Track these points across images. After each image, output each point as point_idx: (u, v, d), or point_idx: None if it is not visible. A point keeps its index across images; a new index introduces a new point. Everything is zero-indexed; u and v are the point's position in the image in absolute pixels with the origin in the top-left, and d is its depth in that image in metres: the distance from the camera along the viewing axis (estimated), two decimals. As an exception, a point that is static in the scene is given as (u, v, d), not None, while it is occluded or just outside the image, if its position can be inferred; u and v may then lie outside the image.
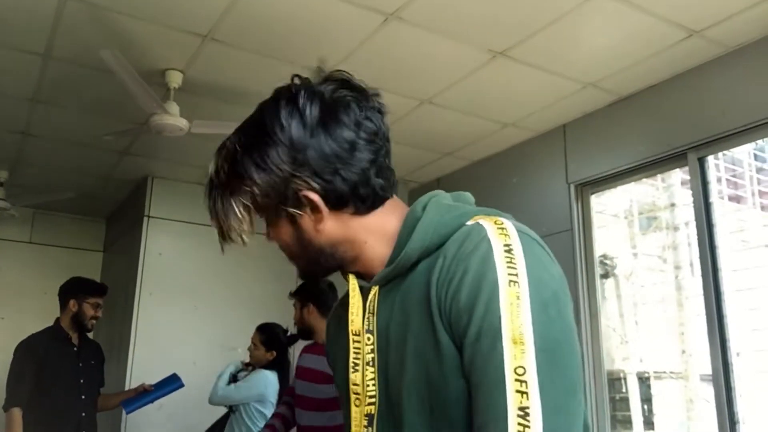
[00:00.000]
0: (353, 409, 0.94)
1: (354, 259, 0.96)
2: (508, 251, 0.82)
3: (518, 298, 0.79)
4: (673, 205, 5.16)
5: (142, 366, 4.45)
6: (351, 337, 0.95)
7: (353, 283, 0.97)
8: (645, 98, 3.54)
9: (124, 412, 3.90)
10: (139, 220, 5.10)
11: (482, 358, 0.78)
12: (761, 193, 5.44)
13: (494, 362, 0.77)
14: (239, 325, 4.58)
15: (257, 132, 0.92)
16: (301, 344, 3.38)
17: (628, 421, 4.71)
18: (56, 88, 3.68)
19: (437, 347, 0.84)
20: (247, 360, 3.85)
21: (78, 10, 2.91)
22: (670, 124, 3.39)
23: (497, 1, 2.78)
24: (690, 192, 3.35)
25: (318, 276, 1.02)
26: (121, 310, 5.11)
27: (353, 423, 0.94)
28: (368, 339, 0.93)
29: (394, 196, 0.98)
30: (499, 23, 2.95)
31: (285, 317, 3.57)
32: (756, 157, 5.49)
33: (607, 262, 4.91)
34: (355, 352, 0.94)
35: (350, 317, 0.95)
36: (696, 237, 3.24)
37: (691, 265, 4.83)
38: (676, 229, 5.17)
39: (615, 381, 4.78)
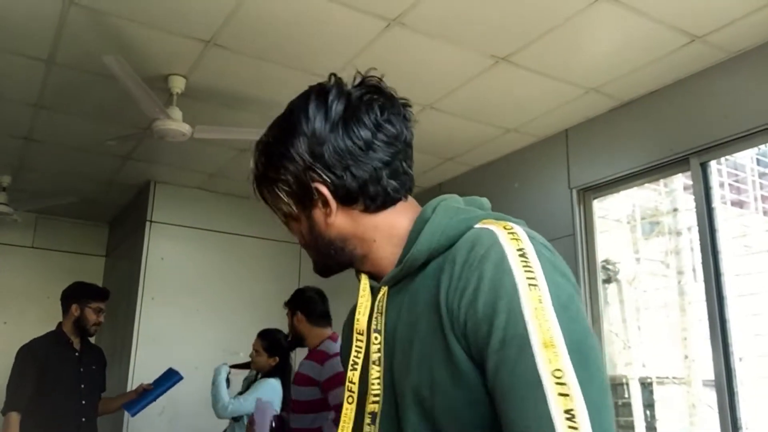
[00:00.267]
0: (345, 405, 0.95)
1: (363, 257, 0.98)
2: (522, 255, 0.82)
3: (540, 301, 0.78)
4: (675, 210, 5.15)
5: (144, 370, 4.44)
6: (355, 335, 0.96)
7: (364, 282, 0.98)
8: (647, 103, 3.54)
9: (128, 415, 3.90)
10: (142, 224, 5.11)
11: (511, 365, 0.76)
12: (764, 198, 5.43)
13: (527, 368, 0.75)
14: (241, 329, 4.58)
15: (286, 123, 0.97)
16: (303, 350, 3.39)
17: (630, 427, 4.69)
18: (59, 94, 3.69)
19: (446, 355, 0.84)
20: (236, 362, 3.85)
21: (81, 16, 2.92)
22: (673, 129, 3.39)
23: (500, 7, 2.79)
24: (692, 197, 3.35)
25: (331, 270, 1.03)
26: (123, 315, 5.11)
27: (343, 420, 0.95)
28: (375, 338, 0.94)
29: (410, 198, 1.00)
30: (501, 29, 2.95)
31: (287, 321, 3.58)
32: (759, 162, 5.48)
33: (610, 267, 4.90)
34: (356, 351, 0.95)
35: (356, 316, 0.96)
36: (699, 242, 3.23)
37: (694, 270, 4.82)
38: (678, 234, 5.16)
39: (617, 386, 4.77)
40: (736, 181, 5.33)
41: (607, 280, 4.88)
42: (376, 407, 0.92)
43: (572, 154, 3.96)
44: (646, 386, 4.96)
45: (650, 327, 5.20)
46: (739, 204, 5.34)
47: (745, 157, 5.24)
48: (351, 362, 0.95)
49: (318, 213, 0.96)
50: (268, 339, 3.73)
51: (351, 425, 0.94)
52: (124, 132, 3.94)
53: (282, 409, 3.56)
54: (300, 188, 0.95)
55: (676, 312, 5.04)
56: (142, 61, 3.26)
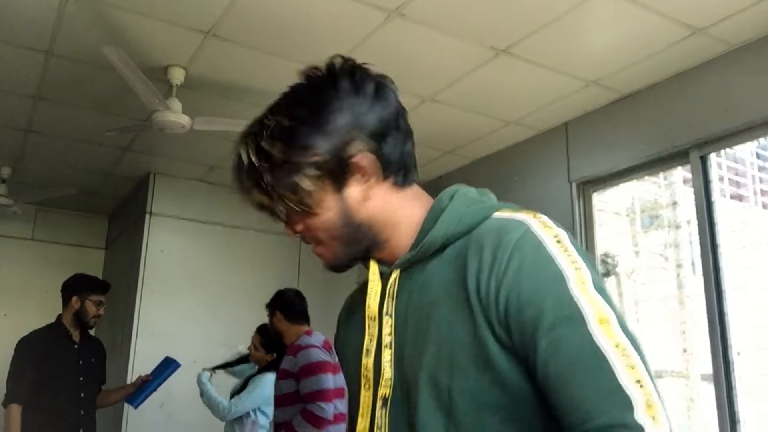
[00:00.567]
0: (362, 393, 0.95)
1: (384, 242, 0.97)
2: (559, 242, 0.86)
3: (584, 283, 0.81)
4: (674, 203, 5.15)
5: (144, 363, 4.44)
6: (367, 322, 0.96)
7: (374, 268, 0.98)
8: (647, 96, 3.53)
9: (128, 407, 3.90)
10: (141, 217, 5.10)
11: (569, 343, 0.78)
12: (763, 192, 5.43)
13: (588, 343, 0.77)
14: (241, 322, 4.58)
15: (315, 101, 0.94)
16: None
17: (628, 420, 4.71)
18: (59, 85, 3.68)
19: (472, 338, 0.84)
20: (216, 364, 3.86)
21: (80, 7, 2.91)
22: (673, 122, 3.38)
23: (500, -1, 2.78)
24: (692, 190, 3.35)
25: (348, 264, 1.01)
26: (122, 307, 5.11)
27: (362, 406, 0.95)
28: (386, 322, 0.94)
29: (416, 186, 1.02)
30: (501, 20, 2.94)
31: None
32: (758, 155, 5.48)
33: (609, 260, 4.90)
34: (369, 337, 0.96)
35: (368, 302, 0.96)
36: (698, 235, 3.23)
37: (693, 263, 4.83)
38: (677, 227, 5.16)
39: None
40: (736, 175, 5.34)
41: (606, 273, 4.88)
42: (387, 391, 0.93)
43: (572, 147, 3.95)
44: (644, 379, 4.96)
45: (649, 320, 5.21)
46: (738, 197, 5.34)
47: (745, 150, 5.24)
48: (365, 349, 0.96)
49: (353, 192, 0.94)
50: (265, 335, 3.74)
51: (369, 411, 0.94)
52: (124, 123, 3.94)
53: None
54: (336, 166, 0.92)
55: (674, 305, 5.05)
56: (141, 52, 3.25)
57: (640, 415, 0.73)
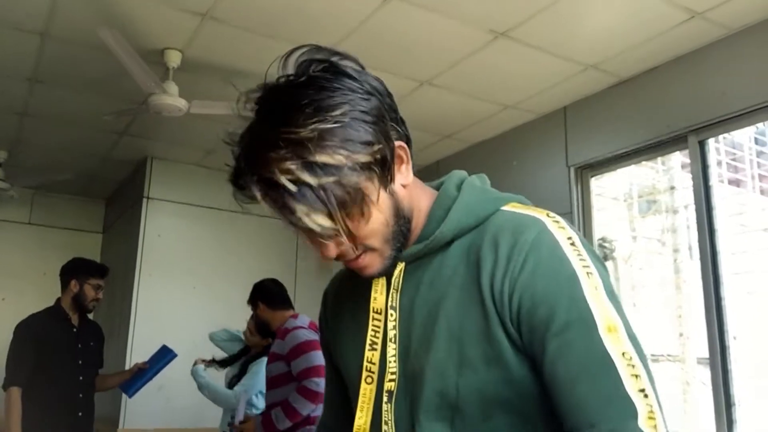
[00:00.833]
0: (363, 386, 0.94)
1: (410, 233, 0.93)
2: (573, 244, 0.85)
3: (596, 288, 0.82)
4: (672, 188, 5.16)
5: (142, 347, 4.46)
6: (371, 314, 0.94)
7: None
8: (646, 80, 3.52)
9: (126, 395, 3.90)
10: (138, 201, 5.10)
11: (578, 347, 0.79)
12: (761, 177, 5.43)
13: (597, 350, 0.78)
14: (239, 306, 4.58)
15: (343, 93, 0.83)
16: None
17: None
18: (54, 68, 3.66)
19: (483, 335, 0.84)
20: (205, 358, 3.88)
21: (75, -11, 2.89)
22: (671, 106, 3.38)
23: (498, -18, 2.76)
24: (690, 175, 3.34)
25: (393, 265, 0.92)
26: (120, 291, 5.12)
27: (361, 400, 0.94)
28: (391, 315, 0.92)
29: None
30: (500, 3, 2.92)
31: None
32: (756, 140, 5.48)
33: (606, 244, 4.91)
34: (374, 330, 0.94)
35: (373, 294, 0.94)
36: (695, 220, 3.24)
37: (690, 248, 4.84)
38: (675, 212, 5.17)
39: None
40: (734, 160, 5.34)
41: (604, 258, 4.89)
42: (392, 385, 0.91)
43: (570, 131, 3.94)
44: (640, 363, 4.99)
45: (646, 305, 5.23)
46: (736, 183, 5.35)
47: (743, 136, 5.24)
48: (369, 342, 0.94)
49: (397, 182, 0.89)
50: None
51: (371, 405, 0.93)
52: (121, 107, 3.92)
53: None
54: (389, 157, 0.86)
55: (671, 290, 5.07)
56: (137, 35, 3.23)
57: (642, 425, 0.74)
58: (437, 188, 0.98)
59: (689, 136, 3.29)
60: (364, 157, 0.82)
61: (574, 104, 3.92)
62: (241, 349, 3.88)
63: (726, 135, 3.65)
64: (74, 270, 3.56)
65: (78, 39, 3.32)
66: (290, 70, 0.86)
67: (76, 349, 3.51)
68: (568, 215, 3.83)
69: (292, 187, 0.79)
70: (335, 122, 0.80)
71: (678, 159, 4.84)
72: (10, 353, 3.34)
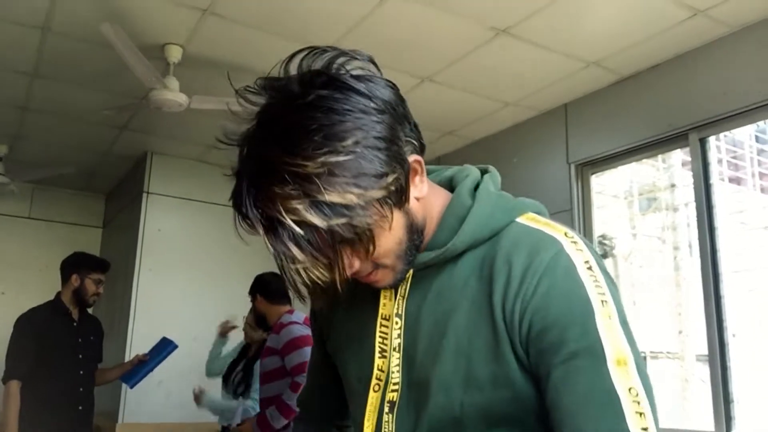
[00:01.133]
0: (371, 394, 0.91)
1: (421, 244, 0.89)
2: (590, 268, 0.82)
3: (610, 318, 0.79)
4: (673, 185, 5.16)
5: (142, 341, 4.46)
6: (379, 321, 0.92)
7: None
8: (647, 78, 3.52)
9: (126, 386, 3.91)
10: (139, 196, 5.10)
11: (584, 377, 0.76)
12: (761, 175, 5.43)
13: (603, 383, 0.76)
14: (238, 300, 4.59)
15: (352, 117, 0.77)
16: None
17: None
18: (55, 63, 3.66)
19: (492, 354, 0.83)
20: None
21: (77, -17, 2.89)
22: (672, 104, 3.37)
23: (500, -22, 2.76)
24: (690, 173, 3.34)
25: (405, 276, 0.90)
26: (120, 286, 5.13)
27: (369, 408, 0.91)
28: (396, 323, 0.90)
29: None
30: (501, 0, 2.92)
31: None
32: (757, 138, 5.48)
33: (606, 242, 4.92)
34: (381, 337, 0.91)
35: (382, 301, 0.92)
36: (695, 218, 3.24)
37: (690, 246, 4.85)
38: (675, 209, 5.18)
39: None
40: (734, 158, 5.34)
41: (604, 256, 4.90)
42: (394, 396, 0.89)
43: (571, 128, 3.94)
44: (639, 360, 5.00)
45: (645, 302, 5.23)
46: (736, 181, 5.35)
47: (744, 134, 5.24)
48: (378, 350, 0.91)
49: (412, 197, 0.83)
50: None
51: (376, 415, 0.90)
52: (121, 102, 3.91)
53: None
54: (405, 182, 0.81)
55: (671, 287, 5.07)
56: (138, 30, 3.23)
57: None
58: (447, 183, 0.96)
59: (690, 134, 3.29)
60: (377, 192, 0.76)
61: (575, 101, 3.92)
62: (241, 351, 3.87)
63: (727, 133, 3.65)
64: (76, 264, 3.57)
65: (79, 34, 3.32)
66: (293, 72, 0.81)
67: (77, 344, 3.52)
68: (568, 212, 3.83)
69: (297, 230, 0.74)
70: (347, 154, 0.74)
71: (678, 157, 4.83)
72: (10, 347, 3.34)
